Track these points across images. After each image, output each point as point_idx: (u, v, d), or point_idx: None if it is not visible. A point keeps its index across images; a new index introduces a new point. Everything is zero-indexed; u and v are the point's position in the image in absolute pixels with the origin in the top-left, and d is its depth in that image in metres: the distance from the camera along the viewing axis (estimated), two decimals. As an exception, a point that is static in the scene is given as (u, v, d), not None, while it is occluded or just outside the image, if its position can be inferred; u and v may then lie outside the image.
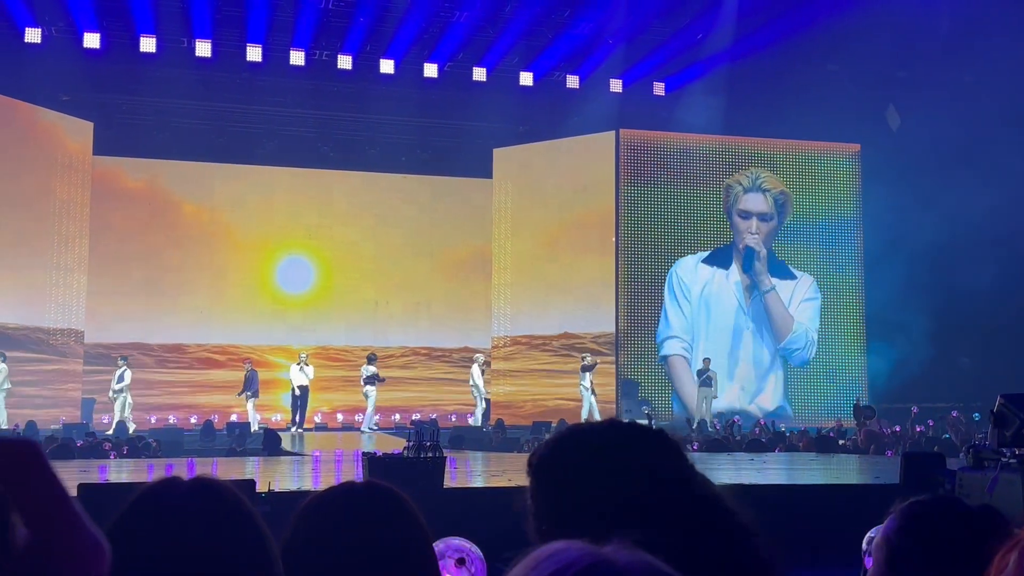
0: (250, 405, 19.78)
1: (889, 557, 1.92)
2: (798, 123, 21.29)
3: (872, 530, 2.13)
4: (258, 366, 20.94)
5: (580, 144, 22.15)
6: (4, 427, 17.80)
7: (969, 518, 1.95)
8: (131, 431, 18.13)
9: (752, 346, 22.45)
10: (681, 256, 22.56)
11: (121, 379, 19.48)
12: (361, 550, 1.88)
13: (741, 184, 23.01)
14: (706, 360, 21.06)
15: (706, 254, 22.78)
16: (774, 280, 22.78)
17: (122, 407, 19.30)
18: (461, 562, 4.56)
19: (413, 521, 1.96)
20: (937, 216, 18.90)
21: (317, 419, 21.39)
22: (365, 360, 20.38)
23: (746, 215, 23.00)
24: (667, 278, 22.44)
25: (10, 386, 18.65)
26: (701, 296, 22.64)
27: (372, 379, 19.92)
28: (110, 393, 19.56)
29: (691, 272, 22.66)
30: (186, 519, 1.39)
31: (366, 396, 20.03)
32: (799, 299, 22.98)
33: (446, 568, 4.41)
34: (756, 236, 22.95)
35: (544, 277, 22.48)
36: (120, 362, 19.76)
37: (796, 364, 22.63)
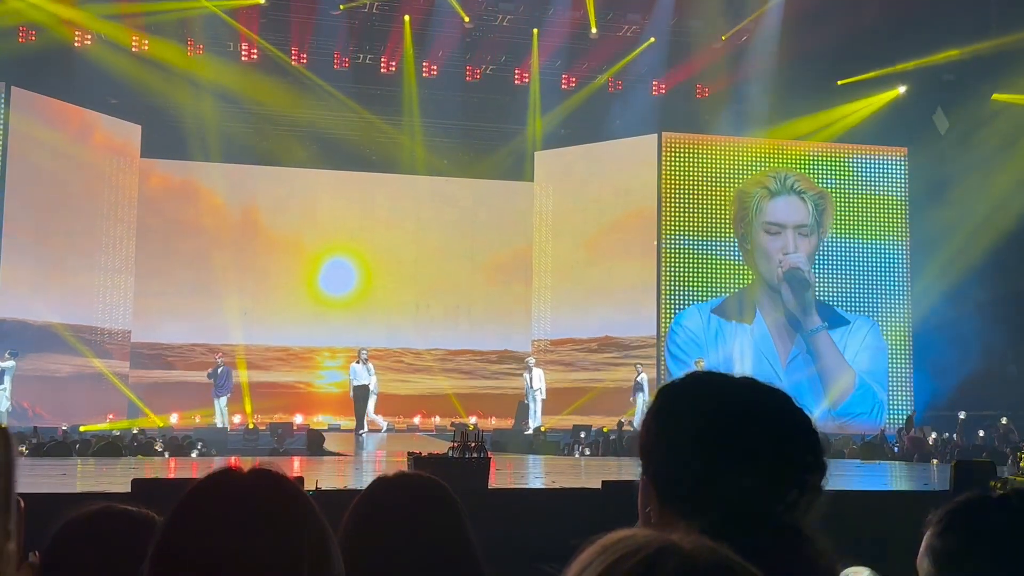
0: (221, 403, 18.82)
1: (934, 561, 1.84)
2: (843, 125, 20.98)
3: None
4: (301, 367, 21.02)
5: (622, 147, 22.01)
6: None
7: (1015, 511, 1.88)
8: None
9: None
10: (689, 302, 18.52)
11: (3, 372, 17.60)
12: (412, 537, 1.97)
13: (767, 188, 18.92)
14: (698, 361, 18.61)
15: (716, 302, 18.67)
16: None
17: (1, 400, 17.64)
18: None
19: (456, 510, 2.07)
20: (987, 221, 18.56)
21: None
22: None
23: (777, 228, 18.66)
24: (667, 336, 18.64)
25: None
26: (718, 356, 18.46)
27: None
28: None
29: (699, 329, 18.75)
30: (247, 508, 1.38)
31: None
32: (855, 348, 19.05)
33: None
34: (800, 256, 18.33)
35: (585, 280, 22.38)
36: (7, 354, 17.82)
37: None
